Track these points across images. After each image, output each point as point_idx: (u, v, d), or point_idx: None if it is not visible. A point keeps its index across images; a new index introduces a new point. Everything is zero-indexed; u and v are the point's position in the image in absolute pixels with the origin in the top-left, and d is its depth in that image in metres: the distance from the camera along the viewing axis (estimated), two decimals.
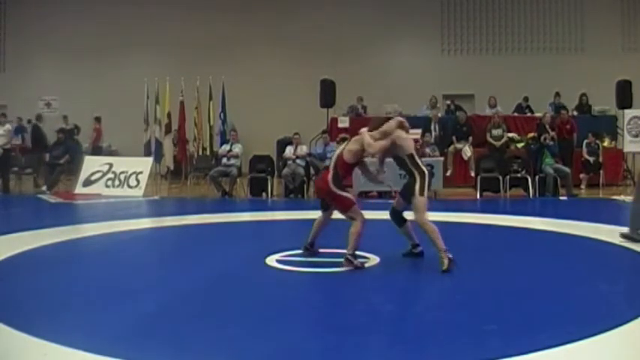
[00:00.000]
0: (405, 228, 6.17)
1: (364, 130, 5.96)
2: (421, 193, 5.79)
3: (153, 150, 15.79)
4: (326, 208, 6.20)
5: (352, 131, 14.13)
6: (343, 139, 12.43)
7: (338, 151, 6.09)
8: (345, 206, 5.91)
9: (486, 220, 8.85)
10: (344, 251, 6.32)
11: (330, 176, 5.91)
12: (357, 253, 6.33)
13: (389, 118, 6.03)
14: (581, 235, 7.59)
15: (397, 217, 6.17)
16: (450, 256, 5.65)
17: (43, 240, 7.28)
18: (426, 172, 5.91)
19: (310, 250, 6.33)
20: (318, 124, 14.63)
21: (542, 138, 13.03)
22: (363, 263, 5.88)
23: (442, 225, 8.73)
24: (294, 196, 12.69)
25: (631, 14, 18.73)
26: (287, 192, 12.83)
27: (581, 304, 4.65)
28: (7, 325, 4.04)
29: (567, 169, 12.72)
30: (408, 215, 6.14)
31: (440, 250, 5.69)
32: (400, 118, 6.09)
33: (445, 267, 5.61)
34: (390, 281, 5.53)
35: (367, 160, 6.20)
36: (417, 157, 5.95)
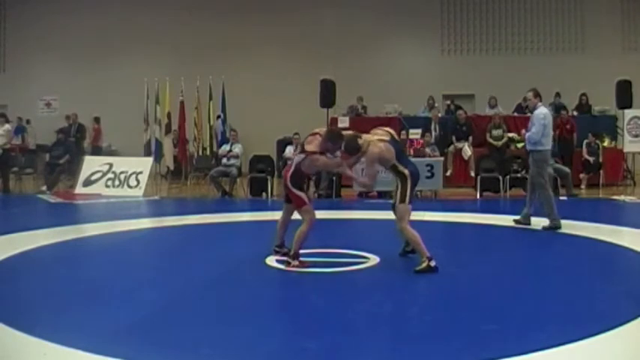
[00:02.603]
0: None
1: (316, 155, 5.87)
2: (402, 200, 5.76)
3: (153, 150, 15.80)
4: (288, 201, 6.13)
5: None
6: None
7: (298, 160, 6.00)
8: (297, 204, 5.97)
9: (486, 220, 8.85)
10: (344, 251, 6.34)
11: (290, 173, 5.96)
12: (357, 253, 6.35)
13: (360, 148, 5.81)
14: (581, 235, 7.58)
15: None
16: (432, 264, 5.60)
17: (43, 240, 7.28)
18: (408, 174, 5.82)
19: (280, 251, 6.23)
20: (318, 124, 14.59)
21: None
22: (304, 263, 5.80)
23: (442, 225, 8.78)
24: None
25: (631, 14, 18.72)
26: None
27: (581, 304, 4.65)
28: (7, 325, 4.04)
29: (567, 169, 12.72)
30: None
31: (422, 256, 5.66)
32: (367, 141, 5.89)
33: (419, 268, 5.59)
34: (390, 281, 5.52)
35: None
36: (398, 164, 5.87)
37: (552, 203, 8.21)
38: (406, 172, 5.84)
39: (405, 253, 6.22)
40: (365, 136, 5.87)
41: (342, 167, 5.90)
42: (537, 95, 8.45)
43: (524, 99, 8.72)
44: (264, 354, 3.69)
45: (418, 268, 5.61)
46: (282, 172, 6.15)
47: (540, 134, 8.18)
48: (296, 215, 6.13)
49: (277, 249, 6.28)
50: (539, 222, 8.49)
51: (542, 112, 8.30)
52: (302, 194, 5.96)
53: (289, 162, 6.31)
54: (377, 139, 5.82)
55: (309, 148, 5.97)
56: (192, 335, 3.97)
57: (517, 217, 8.52)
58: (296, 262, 5.79)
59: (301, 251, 6.35)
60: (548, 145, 8.32)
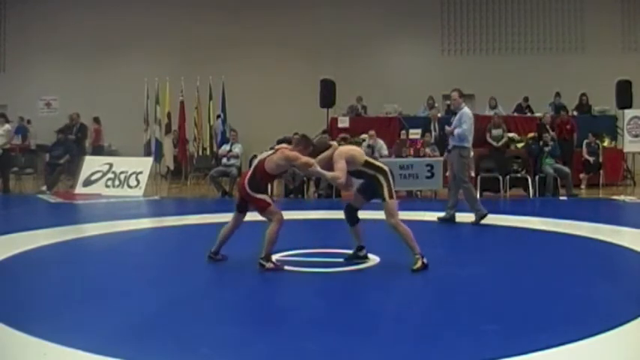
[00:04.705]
0: (356, 228, 6.08)
1: (288, 151, 5.80)
2: (390, 196, 5.71)
3: (153, 150, 15.81)
4: (241, 210, 6.01)
5: (352, 131, 14.37)
6: (344, 139, 12.41)
7: (262, 157, 5.94)
8: (259, 207, 5.83)
9: (486, 220, 8.83)
10: (345, 251, 6.33)
11: (247, 179, 5.84)
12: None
13: (329, 145, 5.85)
14: (581, 235, 7.58)
15: (351, 215, 6.05)
16: (425, 261, 5.66)
17: (43, 240, 7.27)
18: (387, 169, 5.83)
19: (215, 258, 6.09)
20: (318, 124, 14.63)
21: (542, 138, 13.05)
22: (281, 266, 5.74)
23: (443, 225, 8.78)
24: (294, 196, 12.70)
25: (631, 14, 18.74)
26: (287, 192, 12.84)
27: (581, 304, 4.65)
28: (7, 325, 4.04)
29: (567, 169, 12.74)
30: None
31: (415, 254, 5.68)
32: (336, 145, 5.93)
33: (416, 267, 5.63)
34: (390, 281, 5.52)
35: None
36: (371, 160, 5.93)
37: (475, 197, 8.89)
38: (385, 167, 5.86)
39: (354, 256, 6.10)
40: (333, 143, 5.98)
41: (313, 166, 5.67)
42: (462, 95, 8.90)
43: (451, 98, 9.16)
44: (263, 354, 3.68)
45: (415, 267, 5.63)
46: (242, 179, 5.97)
47: (470, 131, 8.72)
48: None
49: (213, 255, 6.10)
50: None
51: (469, 111, 8.85)
52: (262, 196, 5.83)
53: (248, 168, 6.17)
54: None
55: (279, 147, 5.95)
56: (192, 335, 3.97)
57: (441, 215, 8.90)
58: (270, 265, 5.69)
59: (301, 251, 6.38)
60: (471, 142, 8.93)
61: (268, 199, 5.88)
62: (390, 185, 5.74)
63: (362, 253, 6.11)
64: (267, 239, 5.71)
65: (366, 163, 5.80)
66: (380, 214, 5.99)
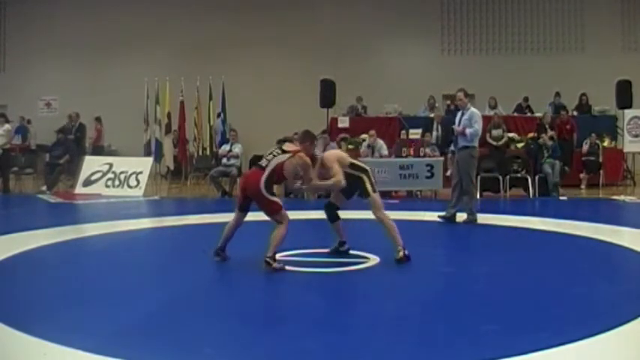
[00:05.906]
0: (336, 224, 6.28)
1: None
2: (374, 191, 6.00)
3: (153, 150, 15.81)
4: (243, 209, 6.00)
5: (352, 131, 14.39)
6: (344, 139, 12.37)
7: (280, 160, 5.85)
8: (272, 210, 5.79)
9: (486, 220, 8.85)
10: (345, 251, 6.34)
11: (263, 177, 5.74)
12: (357, 252, 6.34)
13: (314, 156, 6.03)
14: (581, 235, 7.58)
15: (332, 212, 6.24)
16: (407, 252, 5.88)
17: (43, 240, 7.27)
18: (368, 168, 6.16)
19: (221, 255, 6.09)
20: (318, 124, 14.62)
21: (540, 138, 13.06)
22: (283, 266, 5.72)
23: (442, 225, 8.78)
24: (294, 196, 12.69)
25: (631, 14, 18.73)
26: (287, 192, 12.82)
27: (581, 304, 4.65)
28: (7, 325, 4.03)
29: (558, 162, 12.74)
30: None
31: (397, 245, 5.91)
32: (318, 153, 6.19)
33: (399, 257, 5.87)
34: (390, 281, 5.52)
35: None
36: (355, 161, 6.22)
37: (475, 199, 8.98)
38: (366, 167, 6.18)
39: (336, 251, 6.30)
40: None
41: (313, 181, 5.87)
42: (467, 95, 8.84)
43: (456, 98, 9.11)
44: (264, 353, 3.68)
45: (398, 257, 5.86)
46: (242, 177, 6.01)
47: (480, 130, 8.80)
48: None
49: (220, 252, 6.10)
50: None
51: (477, 111, 8.84)
52: (276, 198, 5.86)
53: (255, 167, 6.13)
54: None
55: (289, 148, 5.93)
56: (193, 335, 3.97)
57: (442, 213, 8.87)
58: (277, 265, 5.67)
59: (301, 251, 6.38)
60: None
61: (280, 202, 5.90)
62: (372, 181, 6.04)
63: (343, 248, 6.31)
64: (276, 241, 5.71)
65: (351, 165, 6.09)
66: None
